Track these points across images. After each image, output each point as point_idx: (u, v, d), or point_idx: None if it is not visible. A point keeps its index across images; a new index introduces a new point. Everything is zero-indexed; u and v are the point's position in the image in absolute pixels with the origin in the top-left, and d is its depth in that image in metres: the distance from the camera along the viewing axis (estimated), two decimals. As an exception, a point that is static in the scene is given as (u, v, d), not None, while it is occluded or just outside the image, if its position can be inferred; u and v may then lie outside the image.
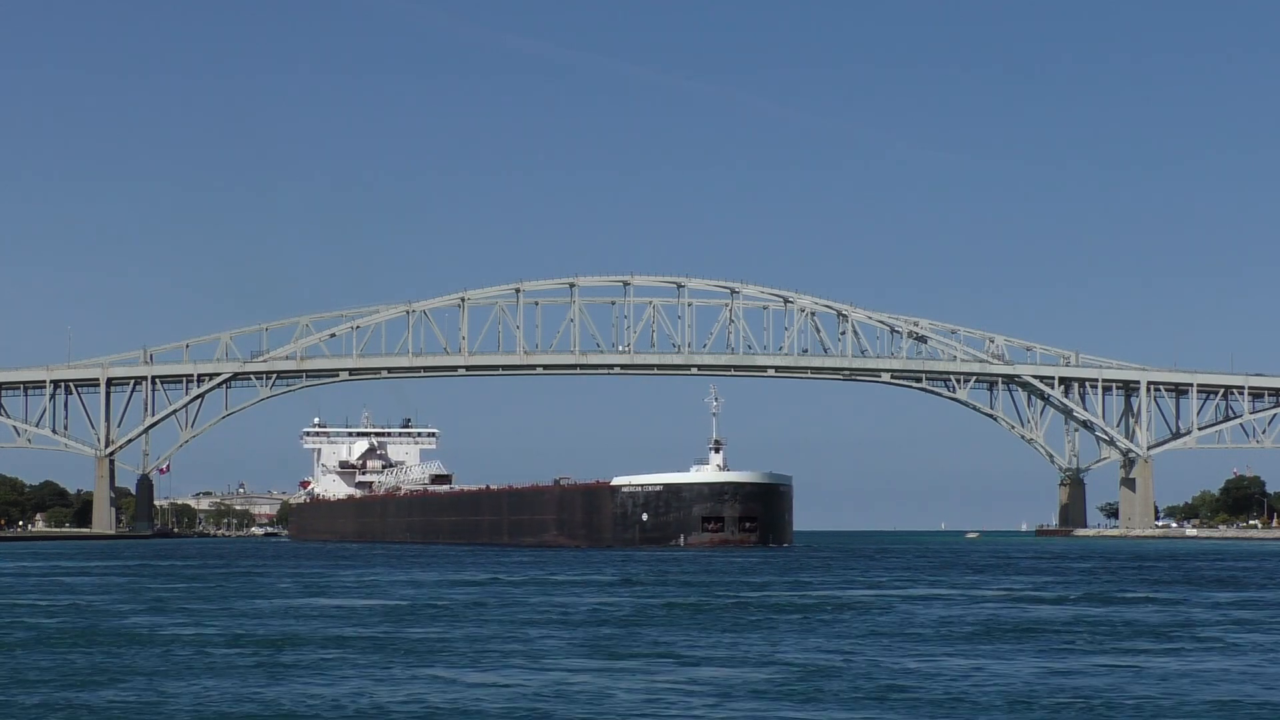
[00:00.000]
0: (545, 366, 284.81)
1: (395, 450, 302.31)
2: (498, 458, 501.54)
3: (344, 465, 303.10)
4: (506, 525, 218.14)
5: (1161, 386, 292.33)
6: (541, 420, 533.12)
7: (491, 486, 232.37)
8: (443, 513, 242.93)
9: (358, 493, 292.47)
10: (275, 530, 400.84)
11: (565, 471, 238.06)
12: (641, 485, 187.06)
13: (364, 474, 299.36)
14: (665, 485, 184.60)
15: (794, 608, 64.99)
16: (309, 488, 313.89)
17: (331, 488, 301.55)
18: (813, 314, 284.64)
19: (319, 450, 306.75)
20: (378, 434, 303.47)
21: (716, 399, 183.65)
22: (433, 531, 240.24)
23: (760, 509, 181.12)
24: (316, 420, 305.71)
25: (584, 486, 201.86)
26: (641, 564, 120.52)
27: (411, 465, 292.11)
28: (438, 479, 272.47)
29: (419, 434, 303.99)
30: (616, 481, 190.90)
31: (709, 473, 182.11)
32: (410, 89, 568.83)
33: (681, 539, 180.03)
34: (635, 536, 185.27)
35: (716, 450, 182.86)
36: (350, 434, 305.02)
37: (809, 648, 46.61)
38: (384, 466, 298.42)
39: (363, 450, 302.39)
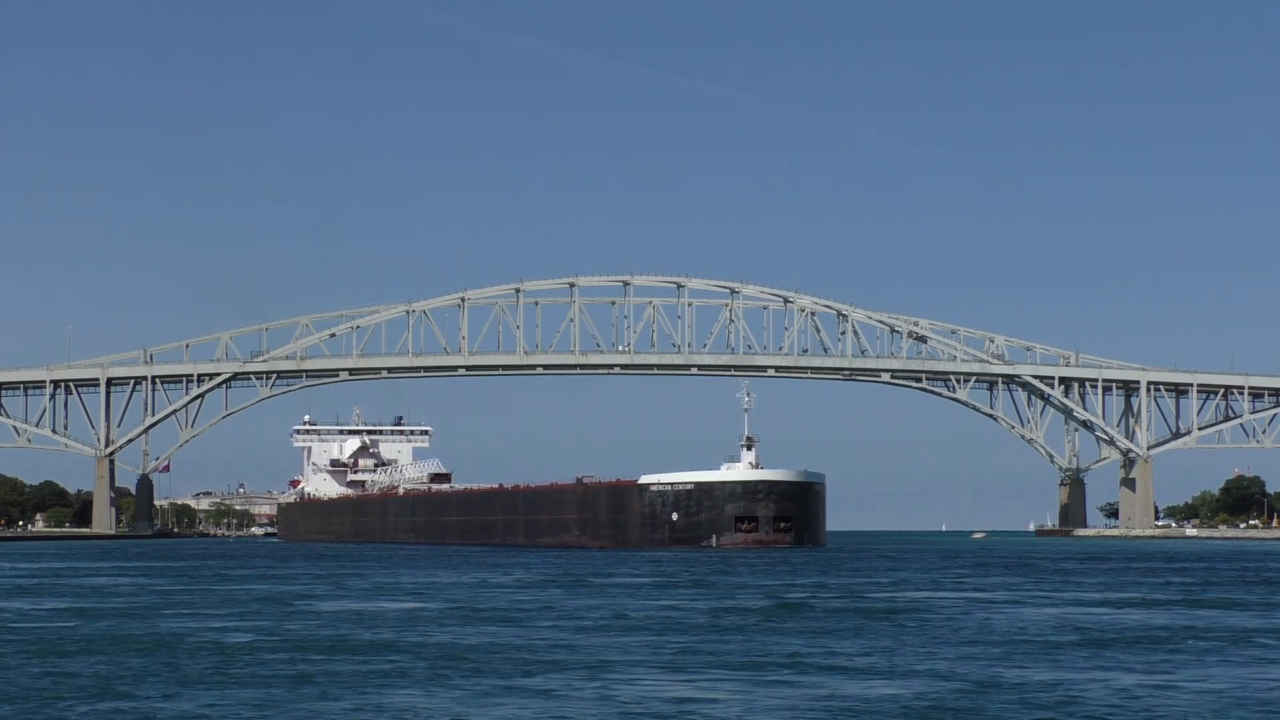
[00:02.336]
0: (545, 366, 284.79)
1: (387, 448, 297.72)
2: (491, 456, 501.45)
3: (335, 464, 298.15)
4: (522, 525, 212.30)
5: (1161, 386, 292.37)
6: (537, 420, 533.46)
7: (504, 485, 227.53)
8: (450, 512, 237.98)
9: (350, 492, 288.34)
10: (275, 530, 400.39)
11: (563, 469, 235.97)
12: (671, 484, 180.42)
13: (356, 472, 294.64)
14: (696, 484, 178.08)
15: (894, 611, 63.36)
16: (299, 486, 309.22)
17: (323, 487, 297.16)
18: (813, 314, 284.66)
19: (309, 449, 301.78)
20: (369, 432, 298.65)
21: (749, 395, 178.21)
22: (438, 531, 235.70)
23: (795, 508, 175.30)
24: (307, 418, 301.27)
25: (609, 485, 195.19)
26: (716, 565, 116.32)
27: (405, 464, 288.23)
28: (437, 478, 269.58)
29: (411, 432, 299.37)
30: (644, 480, 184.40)
31: (741, 471, 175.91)
32: (410, 89, 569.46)
33: (714, 540, 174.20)
34: (664, 537, 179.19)
35: (749, 447, 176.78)
36: (341, 432, 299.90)
37: (949, 657, 44.00)
38: (376, 465, 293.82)
39: (354, 448, 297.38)
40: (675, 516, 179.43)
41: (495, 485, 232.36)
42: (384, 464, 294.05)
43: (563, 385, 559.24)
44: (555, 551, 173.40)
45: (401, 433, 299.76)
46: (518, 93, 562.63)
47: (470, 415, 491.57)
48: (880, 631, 53.18)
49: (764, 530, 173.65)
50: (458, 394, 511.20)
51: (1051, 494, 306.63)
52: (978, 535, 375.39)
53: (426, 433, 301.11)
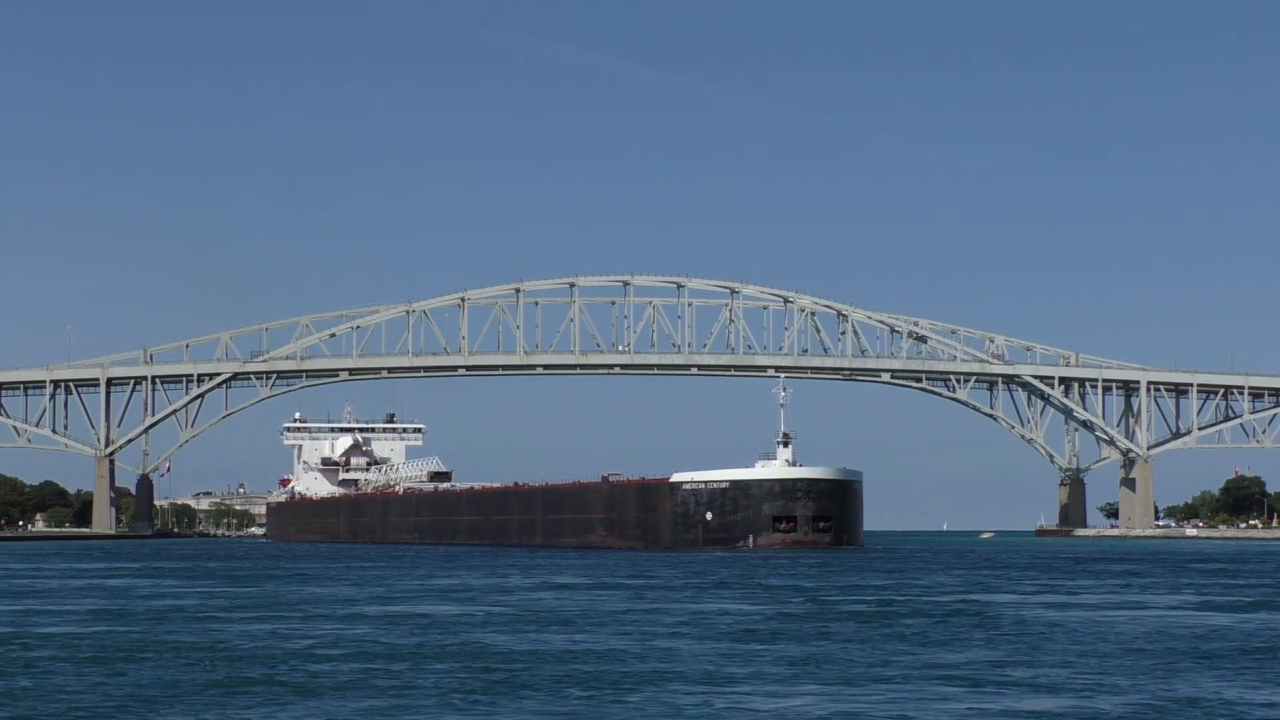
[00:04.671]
0: (545, 366, 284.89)
1: (380, 446, 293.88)
2: (485, 455, 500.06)
3: (327, 462, 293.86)
4: (541, 525, 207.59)
5: (1161, 386, 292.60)
6: (533, 419, 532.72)
7: (520, 484, 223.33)
8: (459, 511, 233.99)
9: (344, 490, 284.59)
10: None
11: (562, 469, 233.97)
12: (705, 482, 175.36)
13: (348, 471, 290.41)
14: (732, 482, 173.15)
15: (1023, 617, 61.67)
16: (289, 486, 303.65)
17: (314, 485, 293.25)
18: (813, 314, 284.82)
19: (300, 447, 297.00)
20: (361, 429, 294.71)
21: (784, 390, 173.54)
22: (446, 531, 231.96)
23: (834, 507, 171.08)
24: (297, 415, 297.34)
25: (638, 484, 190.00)
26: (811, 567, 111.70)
27: (399, 462, 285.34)
28: (437, 476, 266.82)
29: (404, 430, 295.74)
30: (677, 478, 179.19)
31: (779, 468, 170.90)
32: (410, 88, 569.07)
33: (750, 540, 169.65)
34: (698, 537, 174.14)
35: (785, 444, 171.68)
36: (333, 429, 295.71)
37: (1132, 673, 41.63)
38: (369, 464, 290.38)
39: (346, 446, 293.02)
40: (709, 516, 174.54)
41: (511, 484, 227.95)
42: (377, 462, 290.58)
43: (559, 385, 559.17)
44: (606, 552, 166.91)
45: (394, 431, 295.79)
46: (518, 92, 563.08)
47: (463, 413, 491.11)
48: (1034, 638, 51.36)
49: (802, 530, 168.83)
50: (450, 392, 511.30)
51: (1051, 494, 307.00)
52: (985, 535, 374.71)
53: (420, 431, 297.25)
